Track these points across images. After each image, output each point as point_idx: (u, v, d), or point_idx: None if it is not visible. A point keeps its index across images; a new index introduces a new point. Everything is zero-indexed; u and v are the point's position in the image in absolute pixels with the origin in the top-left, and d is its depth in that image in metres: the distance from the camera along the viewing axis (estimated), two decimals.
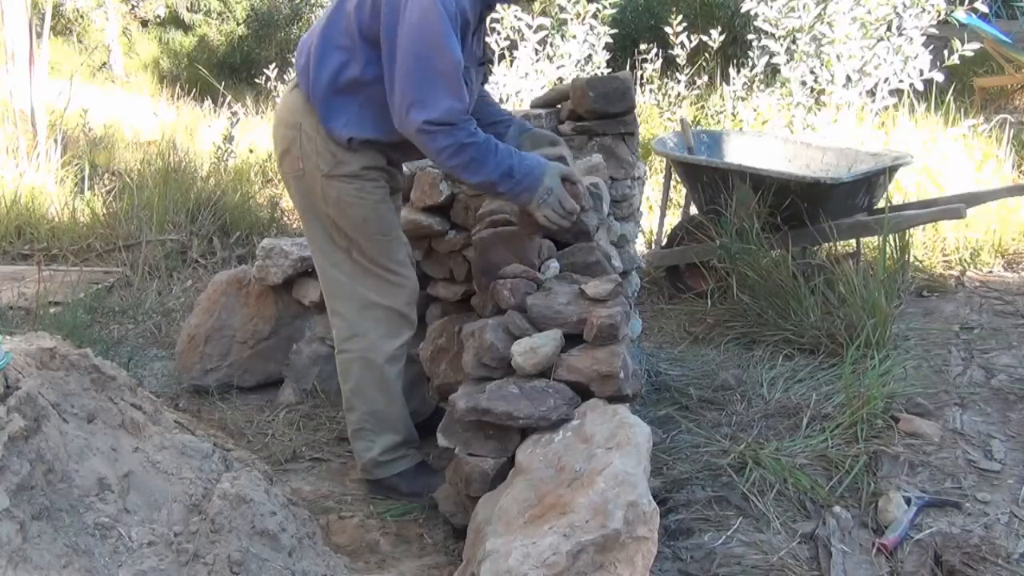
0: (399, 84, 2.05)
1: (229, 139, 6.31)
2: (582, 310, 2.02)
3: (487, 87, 2.50)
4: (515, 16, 6.08)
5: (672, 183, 4.39)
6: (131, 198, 5.25)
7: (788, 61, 5.78)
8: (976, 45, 5.52)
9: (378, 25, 2.07)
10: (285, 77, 8.05)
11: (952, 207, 3.66)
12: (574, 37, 6.46)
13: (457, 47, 2.03)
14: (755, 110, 5.93)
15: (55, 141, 6.25)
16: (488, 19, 2.28)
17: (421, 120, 2.02)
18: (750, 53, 6.45)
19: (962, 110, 5.83)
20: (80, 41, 14.19)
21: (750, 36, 6.40)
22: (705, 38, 6.79)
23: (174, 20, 15.53)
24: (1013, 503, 2.19)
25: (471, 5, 2.08)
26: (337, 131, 2.20)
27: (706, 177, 3.83)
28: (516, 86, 6.09)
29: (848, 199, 3.66)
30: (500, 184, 2.09)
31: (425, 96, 2.01)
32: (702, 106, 6.72)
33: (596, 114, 2.96)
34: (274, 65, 8.64)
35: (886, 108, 5.68)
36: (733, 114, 6.18)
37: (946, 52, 5.53)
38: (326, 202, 2.26)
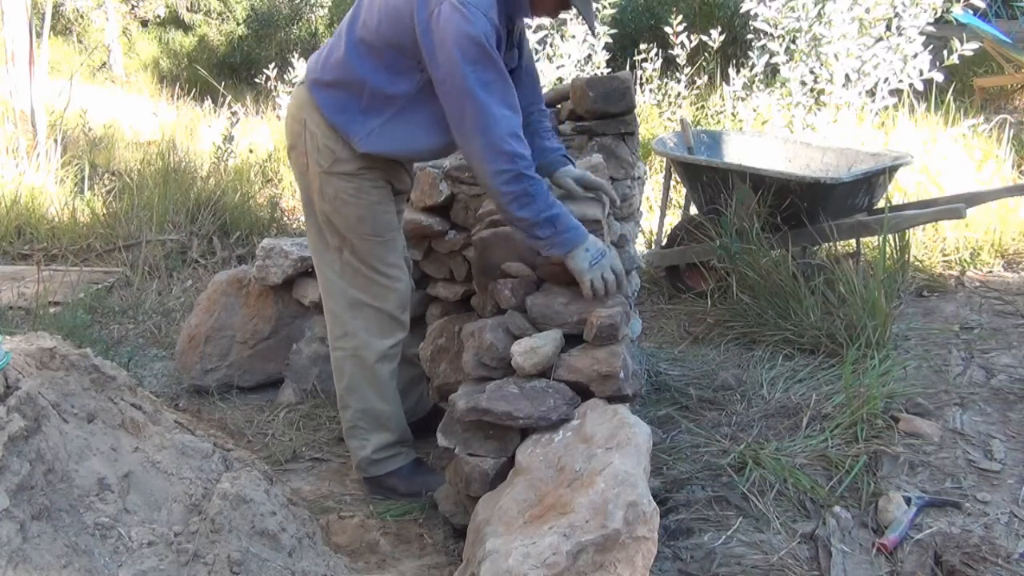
0: (454, 104, 2.01)
1: (229, 139, 6.31)
2: (582, 310, 2.02)
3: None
4: None
5: (672, 183, 4.39)
6: (131, 198, 5.25)
7: (788, 61, 5.78)
8: (976, 45, 5.52)
9: (405, 39, 2.05)
10: (285, 77, 8.04)
11: (952, 207, 3.66)
12: (573, 37, 6.46)
13: (496, 57, 2.00)
14: (755, 110, 5.93)
15: (55, 141, 6.25)
16: (517, 31, 2.25)
17: (493, 139, 1.98)
18: (750, 53, 6.45)
19: (962, 110, 5.82)
20: (80, 41, 14.20)
21: (749, 36, 6.40)
22: (705, 38, 6.79)
23: (174, 20, 15.54)
24: (1013, 503, 2.19)
25: (500, 19, 2.05)
26: (357, 142, 2.19)
27: (706, 177, 3.83)
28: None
29: (848, 199, 3.66)
30: (541, 228, 2.02)
31: (482, 114, 1.97)
32: (702, 106, 6.72)
33: (596, 114, 2.96)
34: (274, 65, 8.64)
35: (886, 108, 5.68)
36: (733, 114, 6.18)
37: (945, 52, 5.53)
38: (323, 198, 2.26)
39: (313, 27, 14.24)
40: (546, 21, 6.13)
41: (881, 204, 3.86)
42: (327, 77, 2.19)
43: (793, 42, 5.84)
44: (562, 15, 3.40)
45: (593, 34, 2.90)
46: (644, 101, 6.65)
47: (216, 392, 3.11)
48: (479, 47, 1.94)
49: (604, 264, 2.05)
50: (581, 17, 2.22)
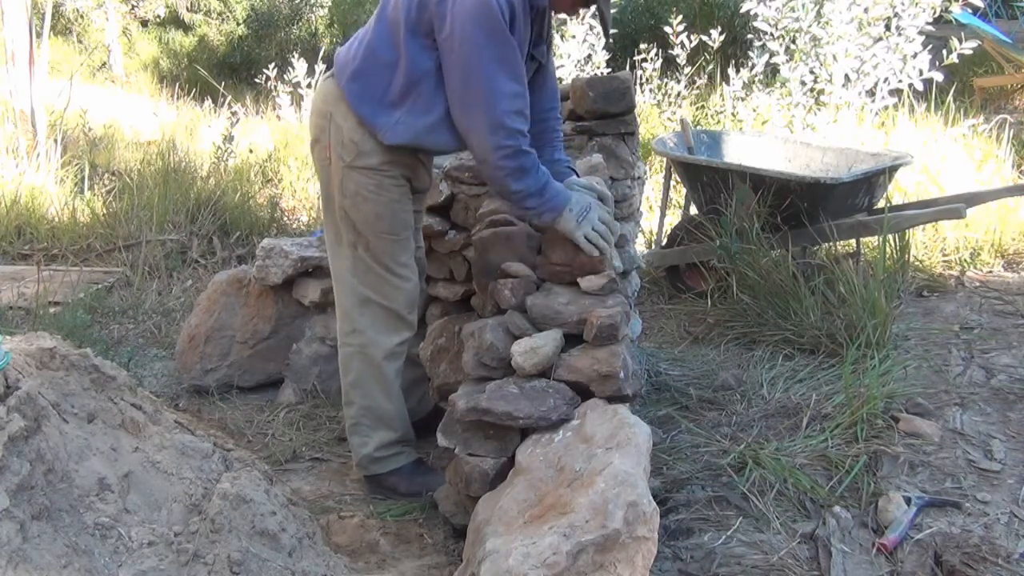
0: (459, 75, 2.04)
1: (229, 139, 6.31)
2: (582, 310, 2.02)
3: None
4: None
5: (672, 183, 4.39)
6: (131, 198, 5.25)
7: (787, 61, 5.78)
8: (975, 44, 5.52)
9: (423, 20, 2.06)
10: (285, 77, 8.04)
11: (952, 207, 3.66)
12: (573, 37, 6.46)
13: (509, 34, 2.01)
14: (755, 110, 5.93)
15: (55, 141, 6.26)
16: (547, 25, 2.26)
17: (496, 113, 2.01)
18: (750, 53, 6.45)
19: (962, 110, 5.83)
20: (80, 41, 14.21)
21: (749, 36, 6.40)
22: (705, 38, 6.79)
23: (174, 20, 15.56)
24: (1013, 503, 2.19)
25: (524, 2, 2.06)
26: (384, 134, 2.19)
27: (706, 177, 3.83)
28: None
29: (848, 199, 3.66)
30: (531, 199, 2.10)
31: (490, 89, 2.00)
32: (702, 106, 6.72)
33: (596, 114, 2.96)
34: (274, 65, 8.64)
35: (886, 108, 5.68)
36: (733, 114, 6.18)
37: (945, 52, 5.53)
38: (343, 193, 2.26)
39: (313, 27, 14.25)
40: None
41: (881, 204, 3.86)
42: (355, 65, 2.20)
43: (793, 42, 5.84)
44: (577, 15, 3.40)
45: (607, 38, 2.98)
46: (644, 101, 6.65)
47: (216, 392, 3.11)
48: (495, 20, 1.96)
49: (591, 217, 2.14)
50: (598, 19, 2.24)
